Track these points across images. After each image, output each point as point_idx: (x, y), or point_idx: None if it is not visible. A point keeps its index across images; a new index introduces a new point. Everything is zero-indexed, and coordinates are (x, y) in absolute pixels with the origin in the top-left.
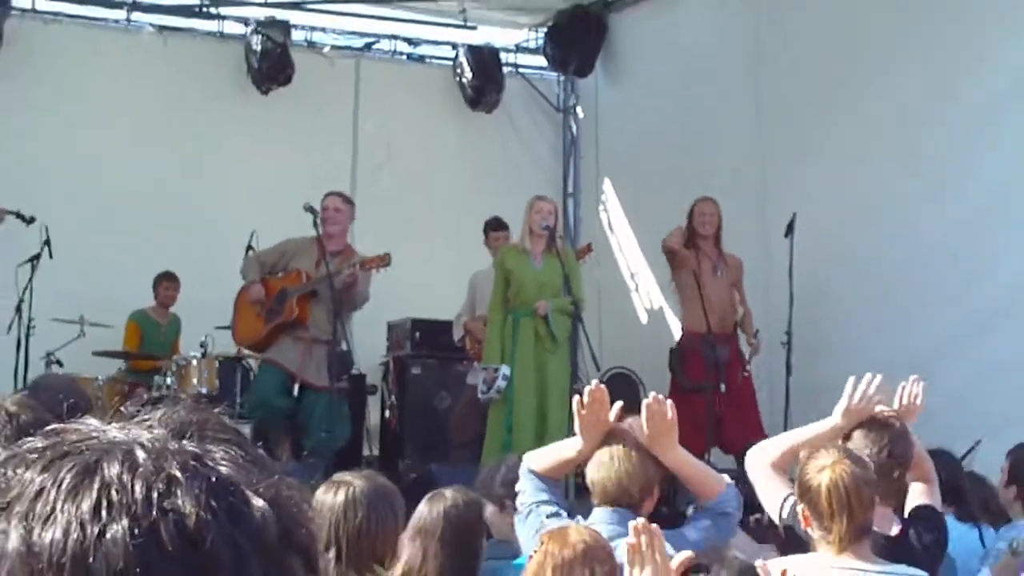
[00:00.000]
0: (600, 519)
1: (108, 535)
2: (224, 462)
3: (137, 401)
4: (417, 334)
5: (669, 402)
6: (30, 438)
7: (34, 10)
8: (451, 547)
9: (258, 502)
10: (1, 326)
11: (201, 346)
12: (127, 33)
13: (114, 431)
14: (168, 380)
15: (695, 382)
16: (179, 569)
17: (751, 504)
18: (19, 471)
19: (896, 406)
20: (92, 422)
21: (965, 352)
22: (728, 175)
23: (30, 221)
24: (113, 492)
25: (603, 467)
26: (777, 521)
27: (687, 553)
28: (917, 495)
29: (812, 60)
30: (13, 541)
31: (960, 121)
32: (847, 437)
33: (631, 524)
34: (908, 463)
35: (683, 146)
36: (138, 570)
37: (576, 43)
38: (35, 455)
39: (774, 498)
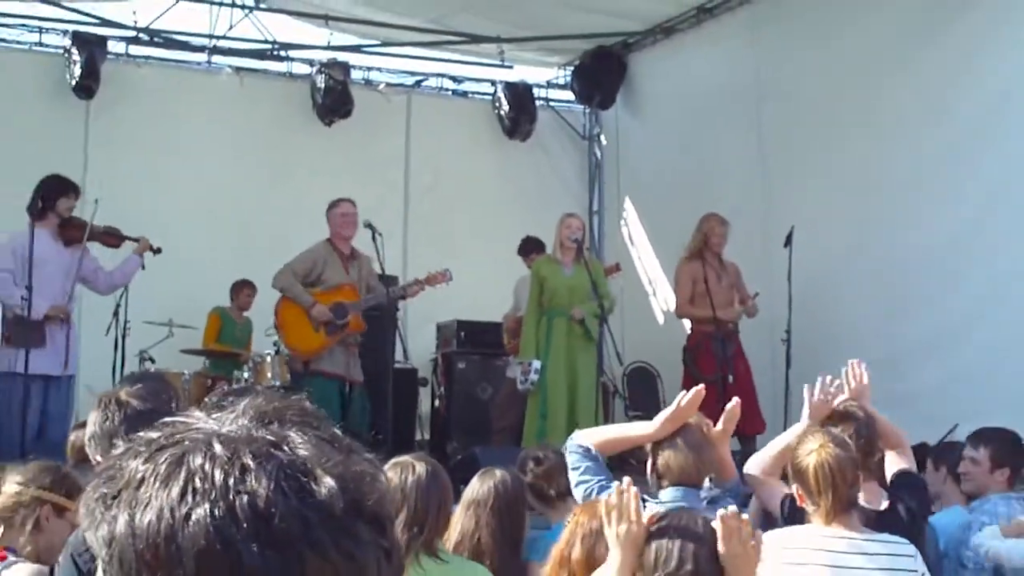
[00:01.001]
0: (674, 496)
1: (193, 517)
2: (300, 444)
3: (218, 393)
4: (462, 334)
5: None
6: (138, 424)
7: (128, 55)
8: (500, 516)
9: (326, 479)
10: (101, 328)
11: (274, 345)
12: (208, 74)
13: (204, 423)
14: (246, 374)
15: (706, 375)
16: (254, 542)
17: None
18: (129, 462)
19: (847, 392)
20: (194, 415)
21: (945, 348)
22: (734, 193)
23: (157, 251)
24: (197, 480)
25: (682, 454)
26: (778, 517)
27: (653, 508)
28: (893, 462)
29: (807, 91)
30: (120, 525)
31: (943, 144)
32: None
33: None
34: (877, 442)
35: (694, 168)
36: (218, 546)
37: (599, 80)
38: (142, 447)
39: (774, 500)
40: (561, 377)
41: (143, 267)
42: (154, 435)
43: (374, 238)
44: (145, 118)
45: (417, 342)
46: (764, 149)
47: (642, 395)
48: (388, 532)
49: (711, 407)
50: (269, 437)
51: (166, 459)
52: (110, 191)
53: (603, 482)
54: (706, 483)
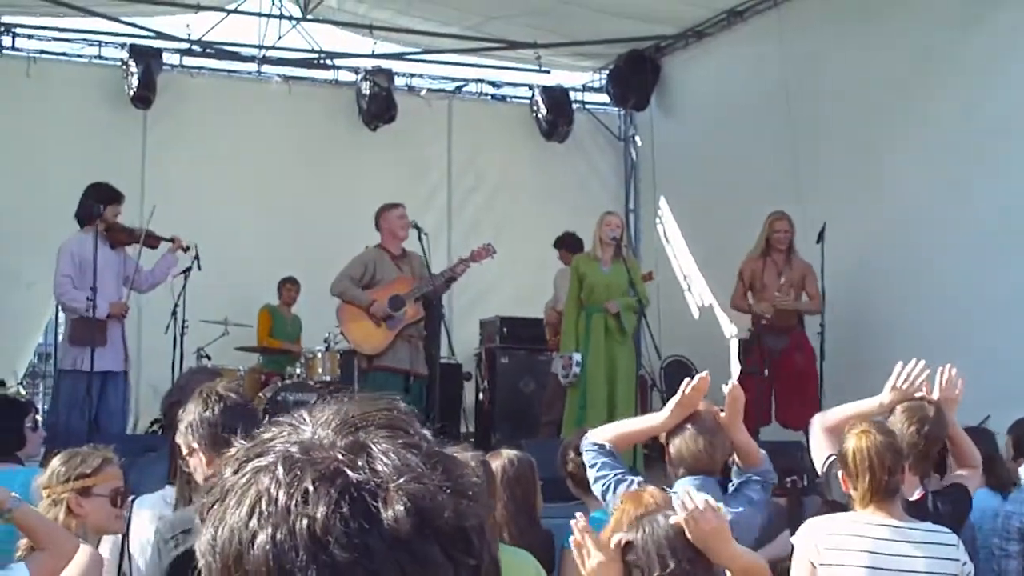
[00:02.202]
0: (692, 485)
1: (257, 540)
2: (379, 456)
3: (272, 387)
4: (505, 329)
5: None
6: (234, 416)
7: (182, 65)
8: (511, 489)
9: (396, 500)
10: (160, 327)
11: (324, 341)
12: (258, 82)
13: (288, 433)
14: (298, 370)
15: (748, 367)
16: (311, 568)
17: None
18: (226, 470)
19: (936, 393)
20: (289, 420)
21: (974, 339)
22: (766, 191)
23: (186, 250)
24: (263, 502)
25: (693, 441)
26: (819, 472)
27: (620, 536)
28: (957, 477)
29: (836, 91)
30: (206, 539)
31: (971, 143)
32: (890, 412)
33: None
34: (939, 443)
35: (727, 168)
36: (277, 571)
37: (634, 82)
38: (239, 455)
39: (820, 455)
40: (600, 370)
41: (199, 267)
42: (251, 442)
43: (420, 239)
44: (199, 126)
45: (461, 338)
46: (795, 148)
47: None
48: (474, 545)
49: (750, 399)
50: (340, 456)
51: (246, 474)
52: (167, 195)
53: (619, 475)
54: (733, 471)
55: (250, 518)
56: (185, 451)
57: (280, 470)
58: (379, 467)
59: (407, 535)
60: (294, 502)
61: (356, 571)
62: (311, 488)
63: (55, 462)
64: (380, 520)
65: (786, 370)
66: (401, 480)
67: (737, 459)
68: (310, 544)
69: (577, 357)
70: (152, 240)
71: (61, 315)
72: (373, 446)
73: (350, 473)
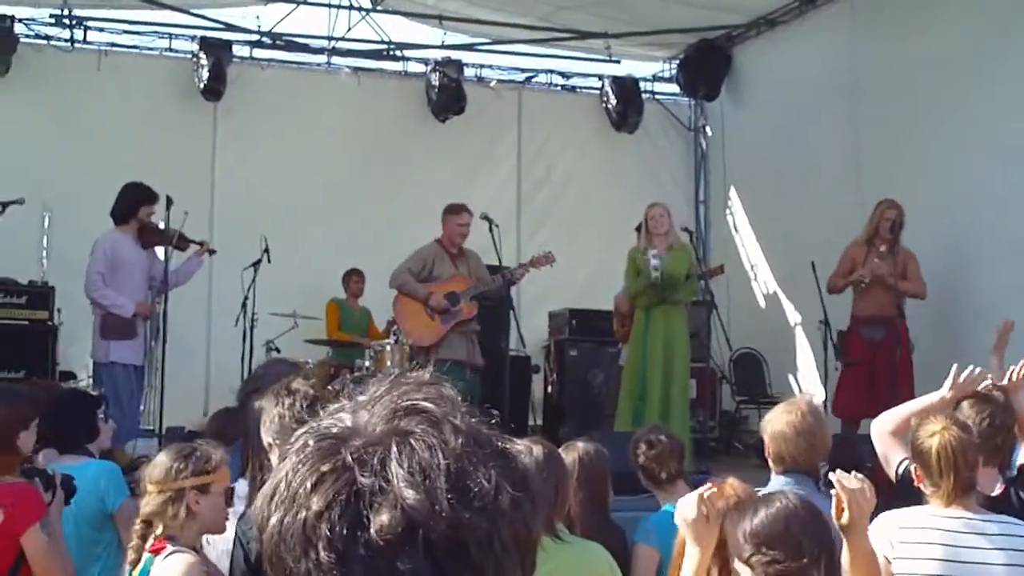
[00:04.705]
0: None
1: (271, 522)
2: (398, 456)
3: (341, 381)
4: (573, 321)
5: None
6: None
7: (252, 58)
8: (586, 485)
9: (388, 507)
10: (230, 320)
11: (393, 334)
12: (328, 74)
13: (342, 413)
14: (367, 363)
15: (852, 358)
16: (302, 561)
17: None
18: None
19: (1006, 381)
20: (340, 405)
21: None
22: (831, 183)
23: (212, 253)
24: (281, 487)
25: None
26: (893, 479)
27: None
28: (1022, 455)
29: (907, 80)
30: (255, 506)
31: None
32: (956, 407)
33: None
34: (1010, 432)
35: (797, 157)
36: (274, 559)
37: (704, 72)
38: (299, 434)
39: (893, 461)
40: (658, 360)
41: (269, 260)
42: (306, 426)
43: (491, 230)
44: (269, 117)
45: (529, 330)
46: (860, 136)
47: (749, 380)
48: (474, 560)
49: (860, 385)
50: (363, 448)
51: (283, 454)
52: (236, 187)
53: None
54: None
55: (271, 500)
56: (266, 444)
57: (303, 455)
58: (392, 467)
59: (391, 545)
60: (300, 493)
61: (337, 571)
62: (318, 480)
63: (166, 458)
64: (367, 527)
65: (883, 362)
66: (403, 485)
67: None
68: (302, 538)
69: (653, 252)
70: (182, 243)
71: None
72: (401, 440)
73: (357, 471)
